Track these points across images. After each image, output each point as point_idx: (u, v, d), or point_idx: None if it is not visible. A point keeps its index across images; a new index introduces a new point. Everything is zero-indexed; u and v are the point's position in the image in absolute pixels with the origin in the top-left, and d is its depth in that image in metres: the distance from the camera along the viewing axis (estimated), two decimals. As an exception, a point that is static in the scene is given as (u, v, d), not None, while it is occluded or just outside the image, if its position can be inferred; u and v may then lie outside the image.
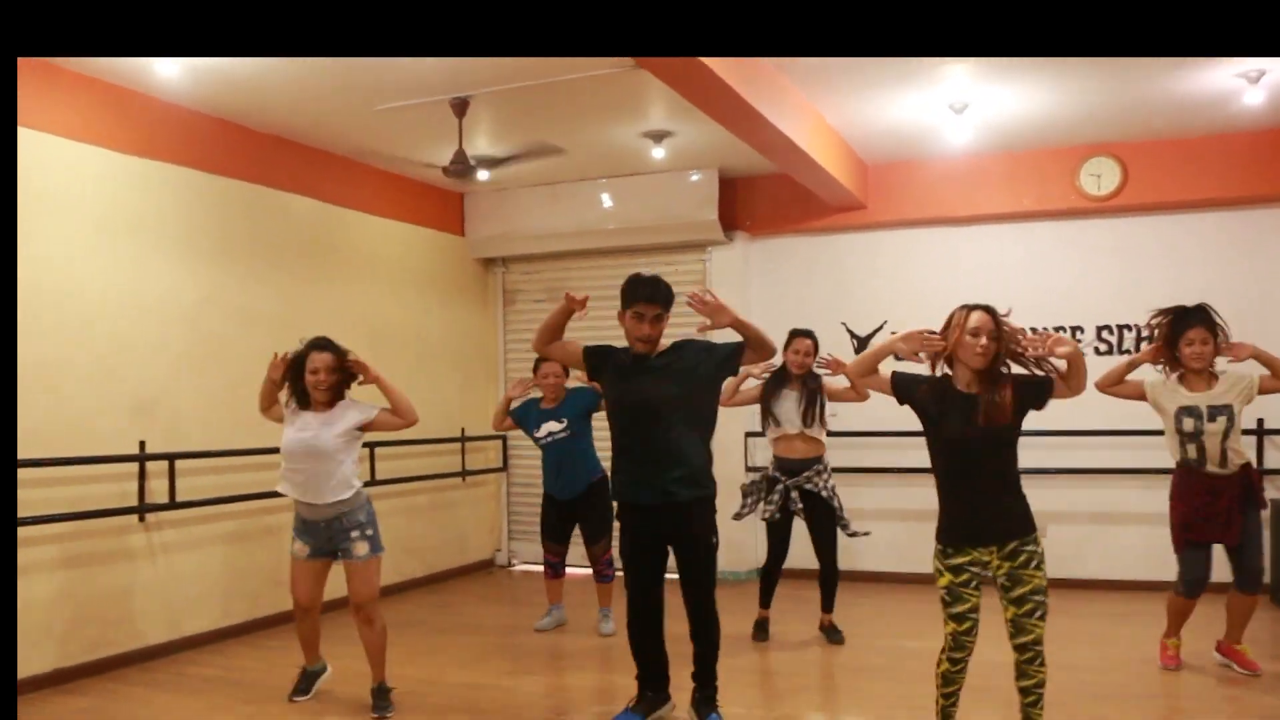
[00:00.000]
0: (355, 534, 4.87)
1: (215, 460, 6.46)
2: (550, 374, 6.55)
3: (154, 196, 6.18)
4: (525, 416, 6.72)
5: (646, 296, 4.45)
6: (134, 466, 5.93)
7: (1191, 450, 5.18)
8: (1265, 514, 7.16)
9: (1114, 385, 5.40)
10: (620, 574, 4.83)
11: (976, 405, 3.76)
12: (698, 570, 4.57)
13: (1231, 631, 5.41)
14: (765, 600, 6.47)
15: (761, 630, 6.43)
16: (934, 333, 3.86)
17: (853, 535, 6.25)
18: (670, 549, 4.62)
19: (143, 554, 6.03)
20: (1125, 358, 5.51)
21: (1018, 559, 3.79)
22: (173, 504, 6.09)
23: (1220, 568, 5.35)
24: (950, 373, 3.90)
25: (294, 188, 7.26)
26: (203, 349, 6.46)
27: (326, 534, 4.91)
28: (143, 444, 5.97)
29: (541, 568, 7.10)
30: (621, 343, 4.68)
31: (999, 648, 4.07)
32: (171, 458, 6.09)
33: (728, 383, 6.40)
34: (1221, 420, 5.08)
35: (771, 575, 6.41)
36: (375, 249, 8.11)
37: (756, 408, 6.40)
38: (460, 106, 6.32)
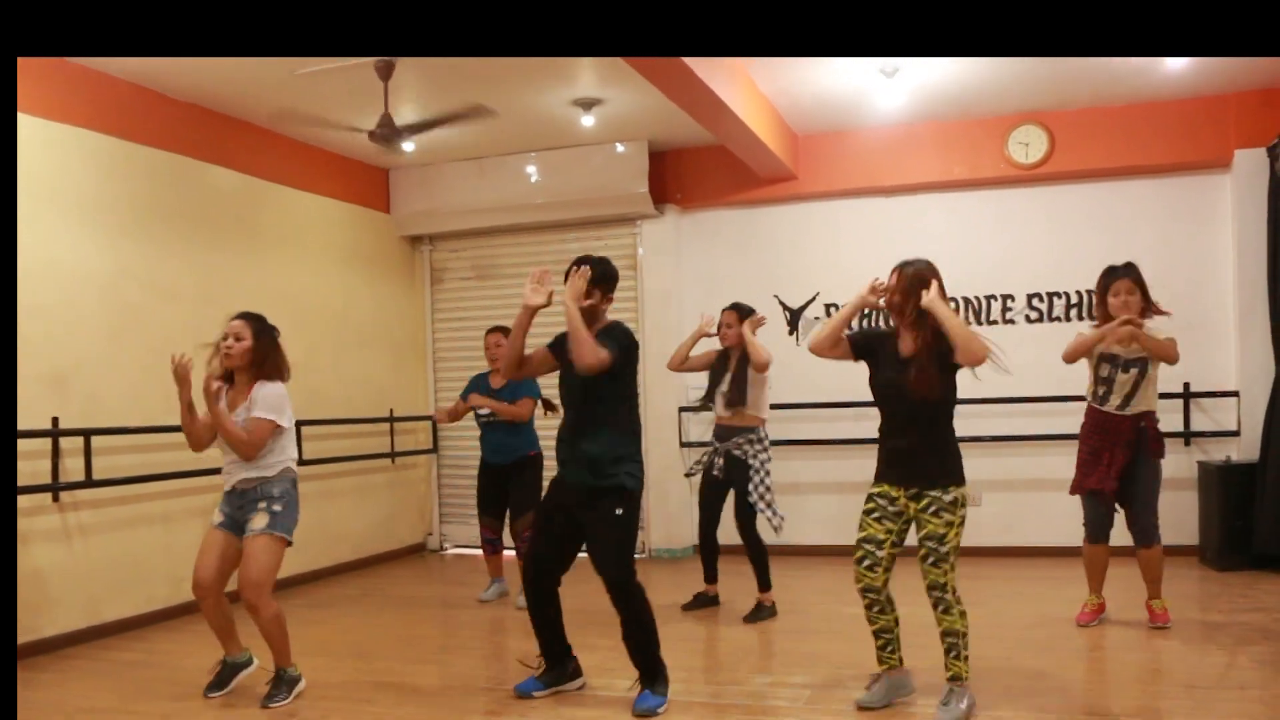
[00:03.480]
0: (262, 505, 4.54)
1: (136, 438, 6.21)
2: (495, 345, 6.51)
3: (66, 162, 5.93)
4: (475, 384, 6.71)
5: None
6: (47, 443, 5.67)
7: (1101, 390, 5.48)
8: (1190, 476, 7.35)
9: (1083, 355, 5.52)
10: None
11: (909, 370, 4.00)
12: (600, 552, 4.40)
13: (1148, 587, 5.53)
14: (706, 574, 6.33)
15: (698, 602, 6.30)
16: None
17: (770, 517, 5.96)
18: (580, 531, 4.48)
19: (58, 535, 5.77)
20: (1094, 333, 5.45)
21: (921, 502, 4.02)
22: (89, 482, 5.84)
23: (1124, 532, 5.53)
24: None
25: (213, 158, 7.01)
26: (119, 322, 6.21)
27: (239, 502, 4.60)
28: (56, 420, 5.71)
29: (478, 551, 7.13)
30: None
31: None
32: (87, 433, 5.83)
33: (678, 348, 6.31)
34: (1134, 372, 5.36)
35: (706, 545, 6.27)
36: (299, 224, 7.88)
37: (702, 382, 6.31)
38: (385, 69, 6.12)
